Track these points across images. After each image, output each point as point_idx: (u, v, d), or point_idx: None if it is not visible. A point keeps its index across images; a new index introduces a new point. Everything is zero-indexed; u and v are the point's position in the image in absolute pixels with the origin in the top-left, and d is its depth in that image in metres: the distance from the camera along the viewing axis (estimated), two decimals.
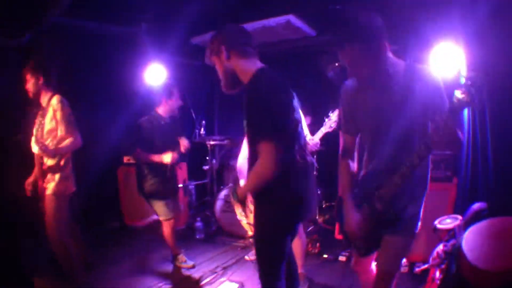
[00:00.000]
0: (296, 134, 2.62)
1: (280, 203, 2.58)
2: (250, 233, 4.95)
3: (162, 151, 4.54)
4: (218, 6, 5.09)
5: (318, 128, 4.34)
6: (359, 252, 2.75)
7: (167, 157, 4.51)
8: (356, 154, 2.79)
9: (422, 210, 2.52)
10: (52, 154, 3.98)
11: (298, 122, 2.66)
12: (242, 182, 3.83)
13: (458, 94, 1.89)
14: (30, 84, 4.04)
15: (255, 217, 2.71)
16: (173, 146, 4.68)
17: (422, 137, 2.28)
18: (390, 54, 2.37)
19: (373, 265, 2.85)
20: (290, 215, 2.65)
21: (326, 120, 4.32)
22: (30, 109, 4.22)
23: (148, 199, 4.64)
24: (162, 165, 4.54)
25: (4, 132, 4.98)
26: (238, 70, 2.65)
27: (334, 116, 4.26)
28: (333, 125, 4.24)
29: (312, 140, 4.32)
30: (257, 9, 5.10)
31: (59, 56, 4.94)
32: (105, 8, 4.95)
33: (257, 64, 2.65)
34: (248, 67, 2.62)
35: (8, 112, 4.96)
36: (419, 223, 2.53)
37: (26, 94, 4.10)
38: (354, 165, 2.77)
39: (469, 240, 2.22)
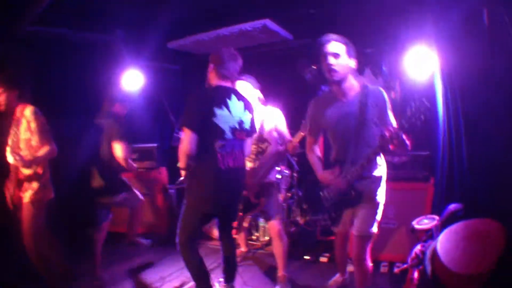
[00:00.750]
0: (216, 139, 3.45)
1: (193, 191, 3.54)
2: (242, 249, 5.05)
3: None
4: (194, 11, 5.08)
5: (297, 131, 4.34)
6: (332, 221, 3.49)
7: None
8: (318, 148, 3.65)
9: (380, 187, 3.31)
10: (28, 164, 3.96)
11: (223, 131, 3.46)
12: None
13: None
14: (2, 98, 3.97)
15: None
16: None
17: (376, 140, 3.02)
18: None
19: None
20: (200, 203, 3.56)
21: (304, 122, 4.28)
22: (1, 119, 4.15)
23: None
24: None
25: None
26: (209, 81, 3.65)
27: None
28: None
29: (291, 142, 4.32)
30: (233, 14, 5.11)
31: (33, 65, 4.88)
32: (79, 15, 4.90)
33: (217, 83, 3.62)
34: (212, 82, 3.65)
35: None
36: (380, 196, 3.30)
37: None
38: (318, 152, 3.62)
39: (444, 242, 2.28)
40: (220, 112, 3.45)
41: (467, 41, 3.92)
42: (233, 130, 3.55)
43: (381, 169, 3.34)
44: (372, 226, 3.29)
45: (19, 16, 4.26)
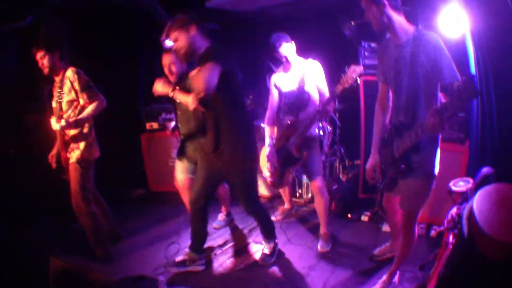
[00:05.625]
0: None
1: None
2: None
3: None
4: None
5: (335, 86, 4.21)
6: (384, 187, 3.30)
7: None
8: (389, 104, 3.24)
9: (435, 158, 2.93)
10: (74, 125, 4.00)
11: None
12: None
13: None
14: (45, 61, 3.99)
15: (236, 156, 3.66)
16: None
17: (434, 97, 2.77)
18: (402, 19, 2.85)
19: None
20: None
21: (343, 75, 4.12)
22: (43, 85, 4.24)
23: None
24: None
25: (16, 112, 5.05)
26: (197, 45, 3.42)
27: (350, 71, 4.03)
28: (350, 81, 4.01)
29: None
30: None
31: (70, 31, 4.94)
32: None
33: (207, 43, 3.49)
34: (203, 44, 3.46)
35: (15, 93, 5.03)
36: (435, 168, 2.94)
37: (32, 74, 4.12)
38: (387, 116, 3.27)
39: (479, 202, 2.20)
40: None
41: (495, 2, 3.75)
42: None
43: (436, 138, 2.92)
44: (422, 201, 3.02)
45: None
